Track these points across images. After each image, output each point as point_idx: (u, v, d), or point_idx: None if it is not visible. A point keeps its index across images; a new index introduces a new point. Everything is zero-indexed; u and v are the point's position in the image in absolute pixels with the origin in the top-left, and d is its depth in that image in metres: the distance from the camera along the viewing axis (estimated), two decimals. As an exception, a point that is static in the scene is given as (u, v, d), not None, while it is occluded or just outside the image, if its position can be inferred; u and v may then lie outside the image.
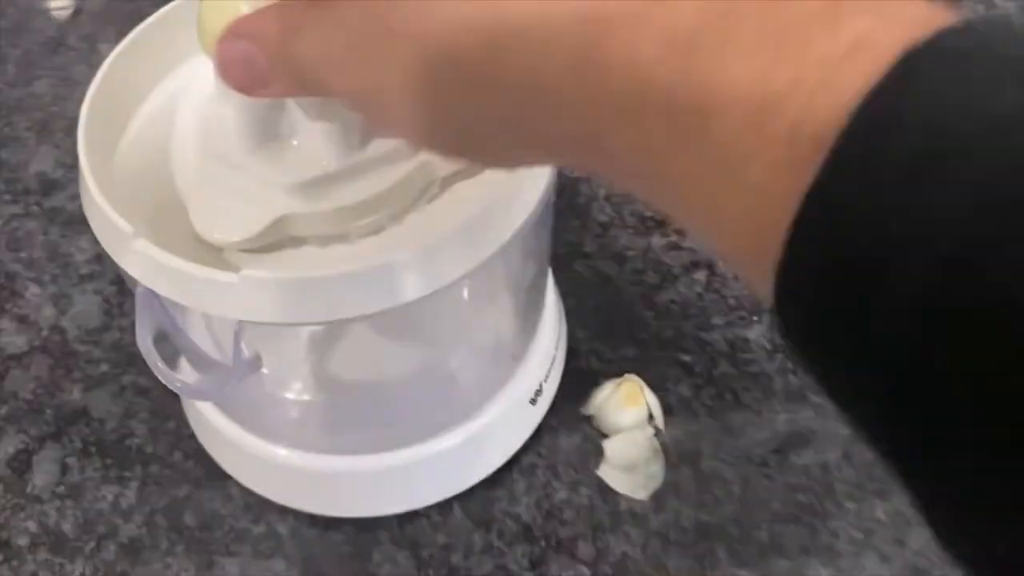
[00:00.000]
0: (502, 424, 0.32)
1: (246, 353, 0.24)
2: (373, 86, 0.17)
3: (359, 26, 0.17)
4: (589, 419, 0.35)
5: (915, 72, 0.12)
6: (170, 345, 0.26)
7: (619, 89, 0.14)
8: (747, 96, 0.13)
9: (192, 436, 0.34)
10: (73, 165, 0.42)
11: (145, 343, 0.24)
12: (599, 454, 0.34)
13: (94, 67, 0.46)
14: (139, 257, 0.23)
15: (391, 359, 0.30)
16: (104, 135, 0.27)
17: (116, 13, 0.49)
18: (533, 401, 0.33)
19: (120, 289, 0.38)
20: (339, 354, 0.29)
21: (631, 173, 0.15)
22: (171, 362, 0.25)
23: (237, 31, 0.19)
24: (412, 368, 0.30)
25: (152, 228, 0.25)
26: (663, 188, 0.15)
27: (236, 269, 0.23)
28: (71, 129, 0.44)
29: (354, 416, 0.30)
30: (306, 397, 0.30)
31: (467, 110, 0.16)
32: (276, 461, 0.30)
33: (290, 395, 0.29)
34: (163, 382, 0.24)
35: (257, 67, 0.19)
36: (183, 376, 0.25)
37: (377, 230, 0.24)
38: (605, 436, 0.34)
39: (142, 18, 0.48)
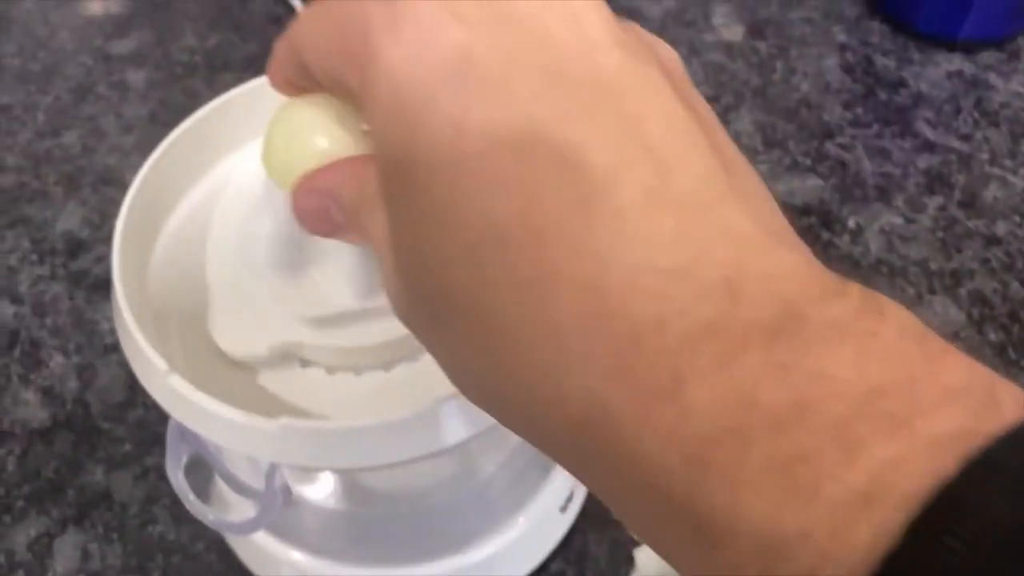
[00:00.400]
0: (532, 533, 0.31)
1: (278, 485, 0.23)
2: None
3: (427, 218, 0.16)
4: (619, 524, 0.34)
5: (941, 532, 0.11)
6: (203, 467, 0.25)
7: (628, 473, 0.13)
8: (755, 531, 0.12)
9: (215, 526, 0.33)
10: (100, 224, 0.41)
11: (176, 477, 0.23)
12: (629, 562, 0.33)
13: (122, 117, 0.45)
14: (173, 394, 0.22)
15: (422, 476, 0.29)
16: (138, 243, 0.27)
17: (146, 60, 0.48)
18: (563, 508, 0.32)
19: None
20: (371, 473, 0.28)
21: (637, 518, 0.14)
22: (203, 487, 0.25)
23: (314, 186, 0.18)
24: (443, 482, 0.30)
25: (183, 331, 0.24)
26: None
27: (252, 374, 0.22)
28: (98, 184, 0.43)
29: (382, 528, 0.30)
30: (333, 507, 0.29)
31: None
32: (301, 567, 0.30)
33: (317, 507, 0.29)
34: (195, 516, 0.23)
35: (333, 221, 0.18)
36: (215, 509, 0.24)
37: (388, 366, 0.24)
38: (636, 544, 0.33)
39: (171, 64, 0.47)
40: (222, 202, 0.28)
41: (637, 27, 0.17)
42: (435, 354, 0.16)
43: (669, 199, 0.13)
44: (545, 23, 0.14)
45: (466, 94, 0.14)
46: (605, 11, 0.15)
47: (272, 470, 0.22)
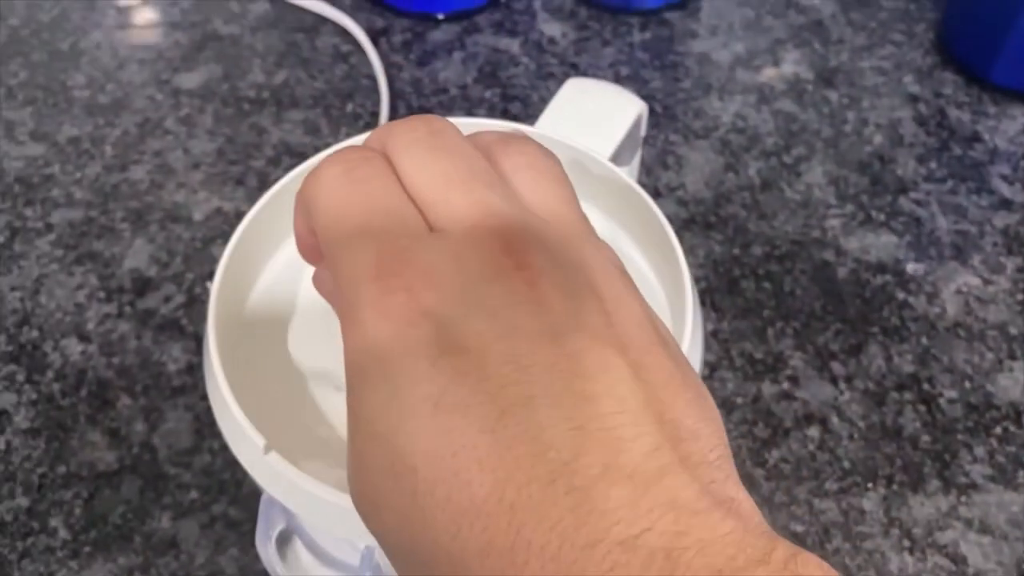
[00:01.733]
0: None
1: (372, 564, 0.23)
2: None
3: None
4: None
5: None
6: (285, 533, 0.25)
7: None
8: None
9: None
10: (167, 263, 0.41)
11: (266, 549, 0.22)
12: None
13: (189, 153, 0.45)
14: (270, 470, 0.22)
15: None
16: (229, 309, 0.26)
17: (213, 95, 0.48)
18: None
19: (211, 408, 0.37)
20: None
21: None
22: (282, 551, 0.24)
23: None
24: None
25: (278, 399, 0.24)
26: None
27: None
28: (166, 221, 0.43)
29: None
30: None
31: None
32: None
33: None
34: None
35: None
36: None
37: None
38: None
39: (238, 99, 0.47)
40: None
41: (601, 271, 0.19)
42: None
43: (623, 475, 0.15)
44: (507, 317, 0.17)
45: (441, 376, 0.16)
46: (572, 283, 0.18)
47: (369, 552, 0.22)
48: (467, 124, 0.29)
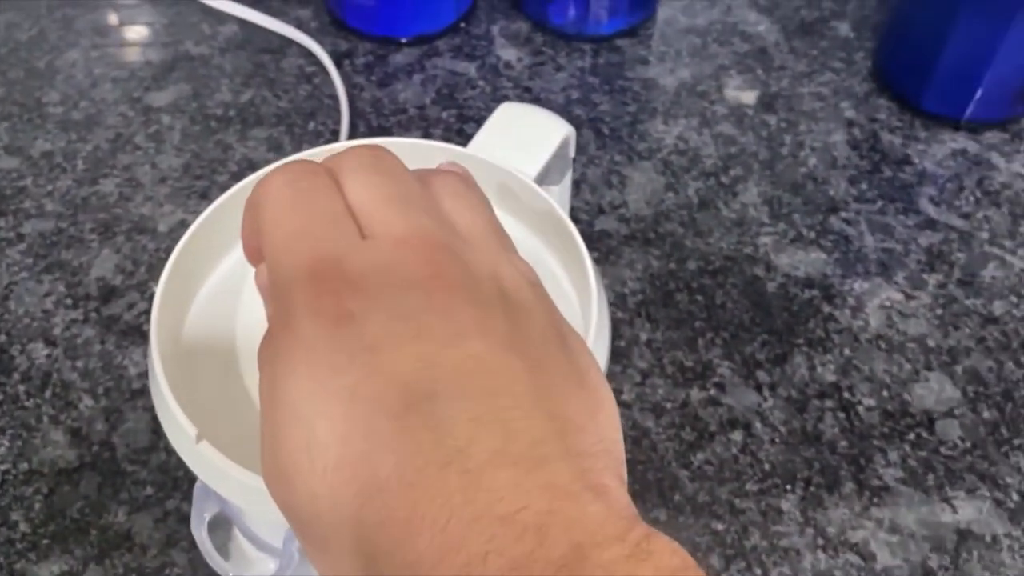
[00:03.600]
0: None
1: (296, 546, 0.25)
2: None
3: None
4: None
5: None
6: (223, 521, 0.27)
7: None
8: None
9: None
10: (132, 272, 0.43)
11: (200, 534, 0.24)
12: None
13: (157, 168, 0.48)
14: (202, 459, 0.24)
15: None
16: (175, 303, 0.28)
17: (182, 112, 0.50)
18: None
19: (170, 407, 0.39)
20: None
21: None
22: (223, 540, 0.26)
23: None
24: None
25: (216, 395, 0.26)
26: None
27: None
28: (132, 232, 0.45)
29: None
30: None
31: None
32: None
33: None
34: (218, 572, 0.25)
35: None
36: (234, 563, 0.25)
37: None
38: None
39: (206, 117, 0.50)
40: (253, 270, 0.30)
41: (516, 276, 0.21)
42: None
43: (509, 460, 0.17)
44: (421, 322, 0.19)
45: (359, 369, 0.18)
46: (482, 294, 0.20)
47: (290, 533, 0.24)
48: (407, 144, 0.31)
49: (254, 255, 0.24)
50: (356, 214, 0.21)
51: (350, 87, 0.52)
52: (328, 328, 0.19)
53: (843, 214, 0.47)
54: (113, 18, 0.56)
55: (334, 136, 0.49)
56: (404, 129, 0.50)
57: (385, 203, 0.21)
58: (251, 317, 0.29)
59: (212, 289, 0.30)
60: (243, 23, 0.55)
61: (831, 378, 0.41)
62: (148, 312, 0.42)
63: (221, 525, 0.27)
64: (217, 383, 0.27)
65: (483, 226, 0.22)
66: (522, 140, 0.32)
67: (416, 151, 0.31)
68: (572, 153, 0.34)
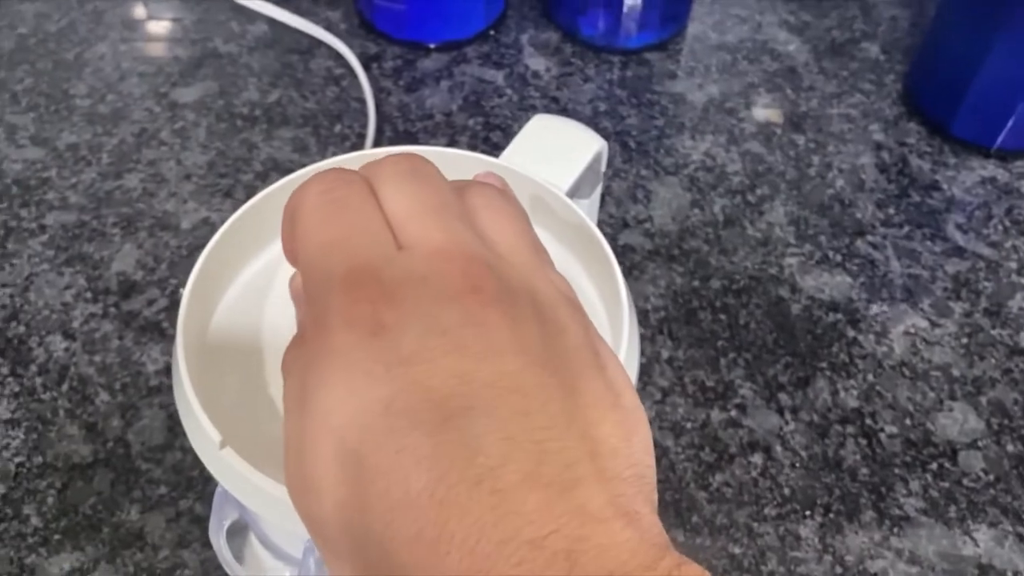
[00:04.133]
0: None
1: (315, 557, 0.25)
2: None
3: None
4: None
5: None
6: (239, 526, 0.26)
7: None
8: None
9: None
10: (153, 268, 0.43)
11: (218, 540, 0.24)
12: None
13: (182, 164, 0.47)
14: (225, 466, 0.23)
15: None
16: (202, 305, 0.28)
17: (208, 110, 0.50)
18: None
19: (186, 406, 0.39)
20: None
21: None
22: (238, 545, 0.26)
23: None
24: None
25: (240, 399, 0.26)
26: None
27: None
28: (155, 228, 0.45)
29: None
30: None
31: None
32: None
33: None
34: (232, 578, 0.24)
35: None
36: (248, 568, 0.25)
37: None
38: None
39: (232, 115, 0.49)
40: (280, 273, 0.30)
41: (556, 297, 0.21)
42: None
43: (541, 482, 0.17)
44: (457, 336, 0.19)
45: (394, 382, 0.18)
46: (518, 310, 0.20)
47: (310, 544, 0.24)
48: (440, 153, 0.31)
49: (293, 257, 0.23)
50: (392, 224, 0.21)
51: (377, 91, 0.52)
52: (363, 338, 0.19)
53: (869, 238, 0.47)
54: (142, 12, 0.56)
55: (360, 140, 0.49)
56: (430, 135, 0.50)
57: (422, 213, 0.21)
58: (278, 321, 0.29)
59: (238, 292, 0.30)
60: (272, 22, 0.55)
61: (854, 404, 0.41)
62: (168, 309, 0.42)
63: (238, 530, 0.27)
64: (241, 387, 0.27)
65: (520, 239, 0.22)
66: (555, 152, 0.31)
67: (448, 160, 0.31)
68: (603, 167, 0.34)
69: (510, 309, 0.19)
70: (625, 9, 0.53)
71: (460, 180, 0.24)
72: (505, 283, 0.20)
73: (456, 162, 0.31)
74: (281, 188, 0.30)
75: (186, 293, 0.27)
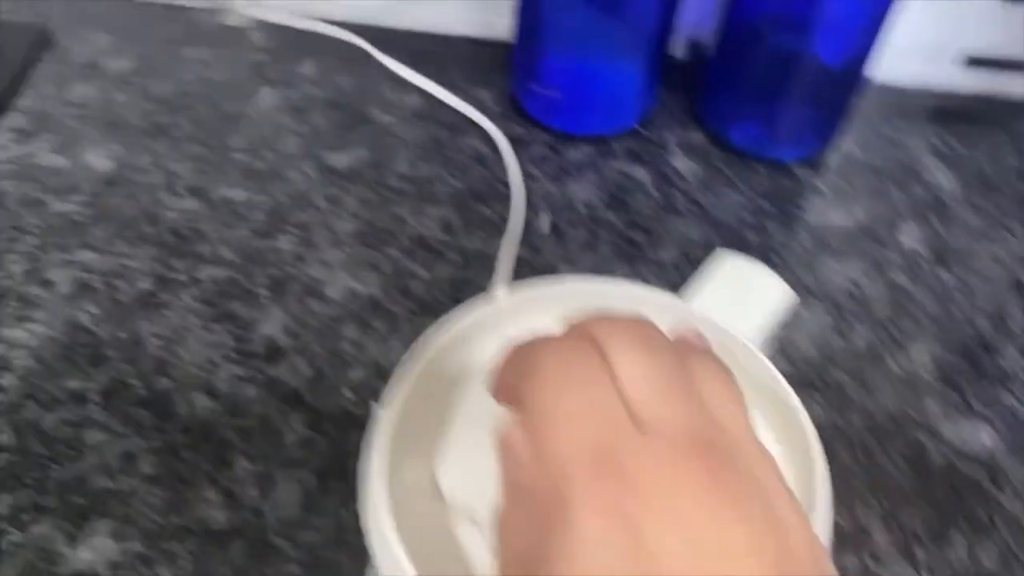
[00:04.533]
0: None
1: None
2: None
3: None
4: None
5: None
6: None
7: None
8: None
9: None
10: (298, 335, 0.44)
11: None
12: None
13: (332, 231, 0.48)
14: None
15: None
16: (396, 449, 0.28)
17: (360, 177, 0.51)
18: None
19: (321, 483, 0.39)
20: None
21: None
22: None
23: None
24: None
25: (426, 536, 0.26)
26: None
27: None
28: (303, 295, 0.46)
29: None
30: None
31: None
32: None
33: None
34: None
35: None
36: None
37: None
38: None
39: (382, 186, 0.50)
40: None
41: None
42: None
43: None
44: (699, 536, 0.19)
45: (640, 570, 0.19)
46: (752, 510, 0.20)
47: None
48: (624, 289, 0.31)
49: (505, 395, 0.24)
50: (628, 400, 0.21)
51: (523, 176, 0.52)
52: (606, 527, 0.19)
53: (1014, 390, 0.45)
54: (303, 71, 0.57)
55: (503, 223, 0.49)
56: (572, 227, 0.50)
57: (658, 393, 0.21)
58: (464, 448, 0.28)
59: (424, 411, 0.30)
60: (426, 95, 0.56)
61: (991, 567, 0.39)
62: (310, 380, 0.42)
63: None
64: (419, 508, 0.27)
65: (744, 424, 0.22)
66: (745, 301, 0.31)
67: (638, 299, 0.31)
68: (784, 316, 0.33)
69: (746, 509, 0.20)
70: (777, 122, 0.52)
71: (680, 342, 0.24)
72: (739, 476, 0.20)
73: (642, 299, 0.31)
74: (457, 336, 0.30)
75: (383, 413, 0.27)
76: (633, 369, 0.22)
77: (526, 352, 0.23)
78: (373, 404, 0.30)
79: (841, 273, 0.49)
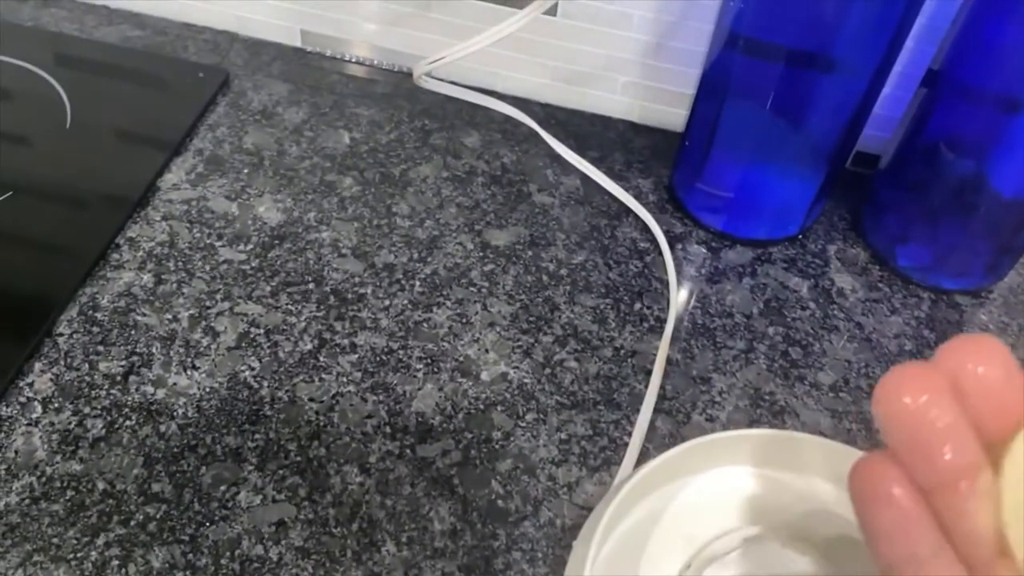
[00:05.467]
0: None
1: None
2: None
3: None
4: None
5: None
6: None
7: None
8: None
9: None
10: (451, 415, 0.43)
11: None
12: None
13: (488, 310, 0.48)
14: None
15: None
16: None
17: (518, 258, 0.51)
18: None
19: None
20: None
21: None
22: None
23: None
24: None
25: None
26: None
27: None
28: (455, 373, 0.46)
29: None
30: None
31: None
32: None
33: None
34: None
35: None
36: None
37: None
38: None
39: (539, 269, 0.50)
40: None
41: None
42: None
43: None
44: None
45: None
46: None
47: None
48: (839, 449, 0.30)
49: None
50: None
51: (678, 275, 0.51)
52: None
53: None
54: (467, 141, 0.58)
55: (658, 324, 0.49)
56: (728, 335, 0.49)
57: None
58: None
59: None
60: (585, 179, 0.56)
61: None
62: (459, 465, 0.42)
63: None
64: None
65: None
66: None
67: (844, 457, 0.30)
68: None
69: None
70: (948, 250, 0.51)
71: None
72: None
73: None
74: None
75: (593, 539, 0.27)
76: None
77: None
78: (574, 543, 0.30)
79: (1006, 418, 0.47)
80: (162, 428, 0.42)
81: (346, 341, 0.46)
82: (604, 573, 0.28)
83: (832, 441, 0.31)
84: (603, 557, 0.28)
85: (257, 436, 0.42)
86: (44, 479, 0.40)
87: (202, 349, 0.45)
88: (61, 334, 0.45)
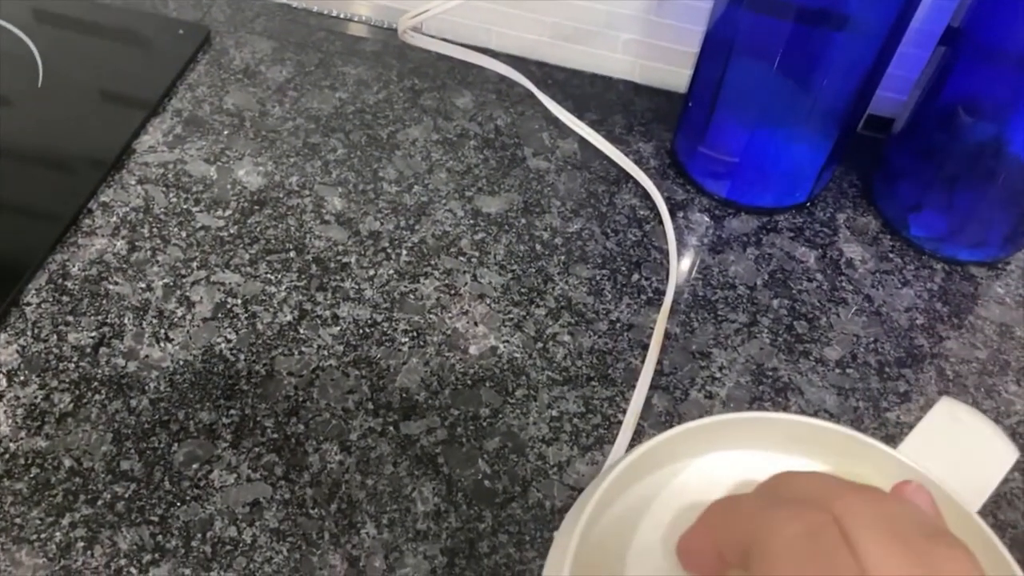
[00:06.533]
0: None
1: None
2: None
3: None
4: None
5: None
6: None
7: None
8: None
9: None
10: (437, 391, 0.41)
11: None
12: None
13: (477, 281, 0.45)
14: None
15: None
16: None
17: (510, 226, 0.49)
18: None
19: (449, 563, 0.37)
20: None
21: None
22: None
23: None
24: None
25: None
26: None
27: None
28: (442, 347, 0.44)
29: None
30: None
31: None
32: None
33: None
34: None
35: None
36: None
37: None
38: None
39: (532, 238, 0.48)
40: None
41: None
42: None
43: None
44: None
45: None
46: None
47: None
48: (844, 436, 0.28)
49: (701, 564, 0.22)
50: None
51: (680, 245, 0.49)
52: None
53: None
54: (459, 102, 0.55)
55: (656, 296, 0.46)
56: (730, 307, 0.47)
57: None
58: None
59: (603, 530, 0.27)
60: (583, 143, 0.53)
61: None
62: (444, 443, 0.40)
63: None
64: None
65: None
66: (966, 460, 0.28)
67: (855, 446, 0.28)
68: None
69: None
70: (965, 219, 0.48)
71: (928, 523, 0.22)
72: None
73: (865, 456, 0.28)
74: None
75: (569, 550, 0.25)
76: (880, 556, 0.20)
77: (763, 526, 0.21)
78: (555, 534, 0.28)
79: (1022, 397, 0.45)
80: (133, 403, 0.40)
81: (328, 312, 0.44)
82: (587, 565, 0.26)
83: (834, 425, 0.29)
84: (587, 548, 0.26)
85: (232, 412, 0.40)
86: (7, 456, 0.38)
87: (176, 320, 0.43)
88: (29, 303, 0.43)
